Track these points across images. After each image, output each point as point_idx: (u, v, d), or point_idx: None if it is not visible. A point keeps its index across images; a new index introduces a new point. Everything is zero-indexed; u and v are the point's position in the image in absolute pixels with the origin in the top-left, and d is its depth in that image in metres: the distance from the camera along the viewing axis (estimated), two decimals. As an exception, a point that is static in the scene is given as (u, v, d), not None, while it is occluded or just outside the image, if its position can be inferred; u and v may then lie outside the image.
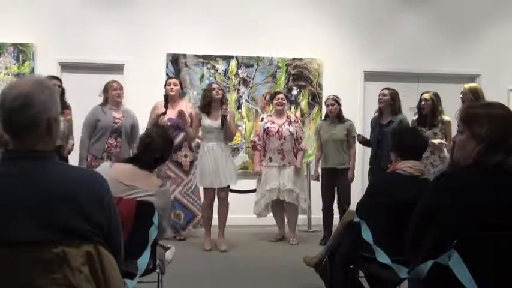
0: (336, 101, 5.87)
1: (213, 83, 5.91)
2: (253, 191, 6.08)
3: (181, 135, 5.77)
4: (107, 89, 5.68)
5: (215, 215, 5.52)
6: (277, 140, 5.75)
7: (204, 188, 5.49)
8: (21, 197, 1.53)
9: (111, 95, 5.65)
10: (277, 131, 5.77)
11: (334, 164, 5.80)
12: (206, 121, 5.45)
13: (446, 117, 5.39)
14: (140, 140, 3.08)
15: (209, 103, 5.45)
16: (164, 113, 5.75)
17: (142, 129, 5.78)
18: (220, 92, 5.50)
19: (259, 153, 5.86)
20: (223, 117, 5.37)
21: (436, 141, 5.25)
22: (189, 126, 5.70)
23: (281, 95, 5.93)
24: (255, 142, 5.92)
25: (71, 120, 5.50)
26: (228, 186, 5.51)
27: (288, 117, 5.87)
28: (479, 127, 2.01)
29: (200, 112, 5.54)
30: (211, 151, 5.41)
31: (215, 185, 5.40)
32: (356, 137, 5.82)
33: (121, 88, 5.73)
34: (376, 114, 5.73)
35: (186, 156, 5.80)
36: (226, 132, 5.43)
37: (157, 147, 2.95)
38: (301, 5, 7.16)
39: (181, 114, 5.56)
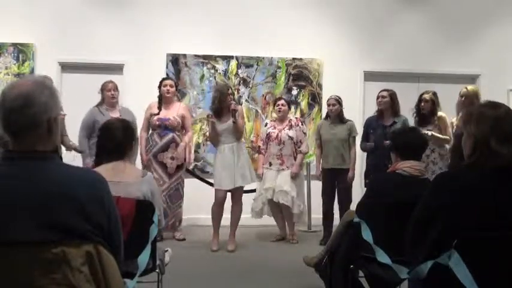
0: (338, 101, 5.89)
1: (229, 88, 5.70)
2: (253, 191, 6.09)
3: (168, 136, 5.72)
4: (103, 89, 5.71)
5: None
6: (277, 145, 5.79)
7: (215, 189, 5.48)
8: (21, 197, 1.54)
9: (106, 96, 5.68)
10: (277, 136, 5.79)
11: (335, 164, 5.81)
12: (216, 124, 5.41)
13: (440, 113, 5.44)
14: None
15: (221, 108, 5.40)
16: (158, 114, 5.74)
17: (138, 129, 5.81)
18: (231, 96, 5.47)
19: (263, 157, 5.94)
20: (233, 112, 5.34)
21: (437, 135, 5.28)
22: (188, 131, 5.81)
23: (281, 101, 5.93)
24: (259, 147, 6.03)
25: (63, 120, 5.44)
26: (242, 188, 5.49)
27: (289, 121, 5.87)
28: (471, 126, 2.05)
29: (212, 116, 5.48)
30: (222, 153, 5.41)
31: (224, 186, 5.39)
32: (360, 146, 5.81)
33: (115, 89, 5.72)
34: (375, 114, 5.74)
35: (172, 158, 5.70)
36: (236, 127, 5.38)
37: (111, 133, 2.92)
38: (301, 5, 7.16)
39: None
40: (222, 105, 5.39)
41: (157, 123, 5.71)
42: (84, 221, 1.58)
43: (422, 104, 5.44)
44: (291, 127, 5.80)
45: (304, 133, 5.86)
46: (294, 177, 5.71)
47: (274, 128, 5.87)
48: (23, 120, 1.58)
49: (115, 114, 5.55)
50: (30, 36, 6.70)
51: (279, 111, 5.87)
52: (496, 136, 1.98)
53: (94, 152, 5.40)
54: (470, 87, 5.32)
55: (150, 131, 5.82)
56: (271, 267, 4.79)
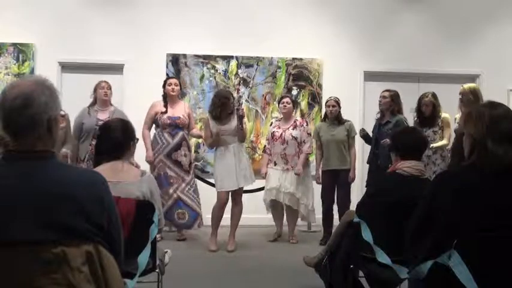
0: (337, 102, 5.89)
1: (228, 91, 5.76)
2: (255, 190, 6.09)
3: (179, 135, 5.76)
4: (96, 89, 5.69)
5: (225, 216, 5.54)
6: (281, 144, 5.78)
7: (217, 191, 5.46)
8: (21, 197, 1.54)
9: (99, 94, 5.66)
10: (281, 136, 5.79)
11: (335, 165, 5.82)
12: (215, 127, 5.41)
13: (443, 114, 5.45)
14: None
15: (221, 111, 5.41)
16: (165, 112, 5.76)
17: (138, 129, 5.80)
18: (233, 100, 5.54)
19: (267, 157, 5.95)
20: (241, 118, 5.38)
21: (437, 144, 5.30)
22: (193, 128, 5.88)
23: (286, 99, 5.92)
24: (265, 146, 6.08)
25: (67, 127, 5.41)
26: (242, 188, 5.50)
27: (294, 121, 5.88)
28: (469, 126, 2.05)
29: (208, 119, 5.48)
30: (223, 154, 5.41)
31: (226, 188, 5.39)
32: (358, 132, 5.85)
33: (109, 88, 5.70)
34: (378, 115, 5.76)
35: (185, 155, 5.78)
36: (241, 133, 5.43)
37: (110, 133, 2.92)
38: (301, 5, 7.16)
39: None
40: (223, 109, 5.40)
41: (168, 121, 5.72)
42: (84, 220, 1.58)
43: (423, 108, 5.45)
44: (295, 127, 5.81)
45: (309, 134, 5.85)
46: (299, 176, 5.72)
47: (279, 127, 5.87)
48: (23, 120, 1.58)
49: (104, 115, 5.52)
50: (30, 36, 6.70)
51: (284, 107, 5.86)
52: (492, 136, 1.98)
53: (84, 154, 5.52)
54: (466, 85, 5.29)
55: (158, 130, 5.82)
56: (271, 267, 4.79)
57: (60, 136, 5.21)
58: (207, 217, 5.66)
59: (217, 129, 5.38)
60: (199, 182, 6.21)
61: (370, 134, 5.87)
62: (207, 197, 5.79)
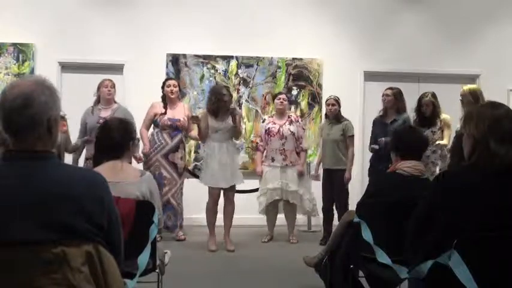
0: (337, 101, 5.88)
1: (225, 87, 5.81)
2: (253, 190, 6.08)
3: (178, 137, 5.77)
4: (99, 87, 5.70)
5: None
6: (279, 140, 5.77)
7: (209, 187, 5.48)
8: (21, 197, 1.54)
9: (102, 92, 5.66)
10: (278, 131, 5.78)
11: (329, 164, 5.82)
12: (212, 122, 5.43)
13: (443, 115, 5.46)
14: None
15: (218, 107, 5.43)
16: (164, 113, 5.76)
17: (138, 129, 5.81)
18: (230, 98, 5.56)
19: (261, 155, 5.90)
20: (234, 116, 5.40)
21: (441, 142, 5.31)
22: (191, 130, 5.86)
23: (283, 96, 5.95)
24: (257, 143, 6.02)
25: (67, 132, 5.41)
26: (234, 186, 5.52)
27: (288, 117, 5.89)
28: (470, 126, 2.05)
29: (207, 113, 5.50)
30: (217, 151, 5.41)
31: (220, 185, 5.40)
32: (369, 149, 5.76)
33: (113, 86, 5.71)
34: (381, 113, 5.72)
35: (181, 158, 5.80)
36: (236, 130, 5.46)
37: (109, 132, 2.92)
38: (301, 5, 7.16)
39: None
40: (220, 106, 5.40)
41: (168, 123, 5.73)
42: (84, 221, 1.58)
43: (424, 108, 5.45)
44: (291, 122, 5.82)
45: (303, 129, 5.93)
46: (301, 175, 5.73)
47: (274, 123, 5.86)
48: (23, 120, 1.58)
49: (106, 113, 5.53)
50: (30, 36, 6.70)
51: (281, 104, 5.85)
52: (494, 136, 1.98)
53: (85, 152, 5.54)
54: (466, 86, 5.28)
55: (157, 130, 5.81)
56: (271, 267, 4.79)
57: (60, 141, 5.25)
58: (204, 217, 5.65)
59: (207, 124, 5.39)
60: (199, 182, 6.20)
61: (368, 136, 5.87)
62: (207, 197, 5.78)
